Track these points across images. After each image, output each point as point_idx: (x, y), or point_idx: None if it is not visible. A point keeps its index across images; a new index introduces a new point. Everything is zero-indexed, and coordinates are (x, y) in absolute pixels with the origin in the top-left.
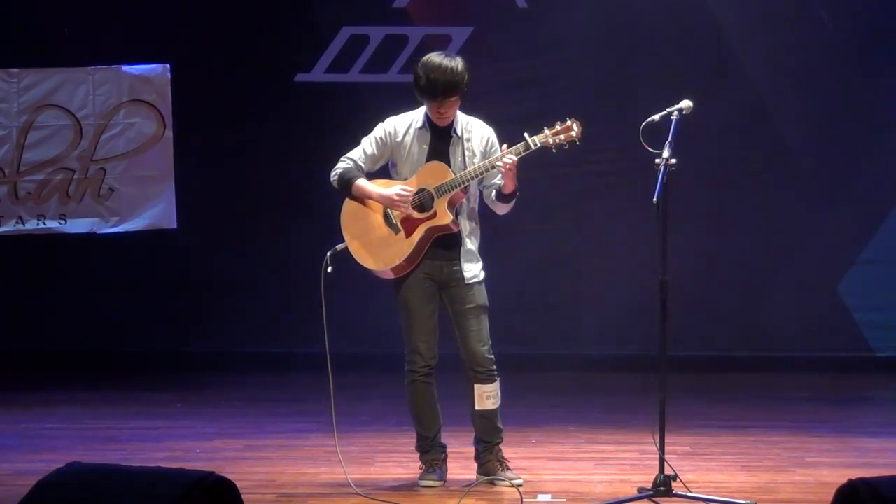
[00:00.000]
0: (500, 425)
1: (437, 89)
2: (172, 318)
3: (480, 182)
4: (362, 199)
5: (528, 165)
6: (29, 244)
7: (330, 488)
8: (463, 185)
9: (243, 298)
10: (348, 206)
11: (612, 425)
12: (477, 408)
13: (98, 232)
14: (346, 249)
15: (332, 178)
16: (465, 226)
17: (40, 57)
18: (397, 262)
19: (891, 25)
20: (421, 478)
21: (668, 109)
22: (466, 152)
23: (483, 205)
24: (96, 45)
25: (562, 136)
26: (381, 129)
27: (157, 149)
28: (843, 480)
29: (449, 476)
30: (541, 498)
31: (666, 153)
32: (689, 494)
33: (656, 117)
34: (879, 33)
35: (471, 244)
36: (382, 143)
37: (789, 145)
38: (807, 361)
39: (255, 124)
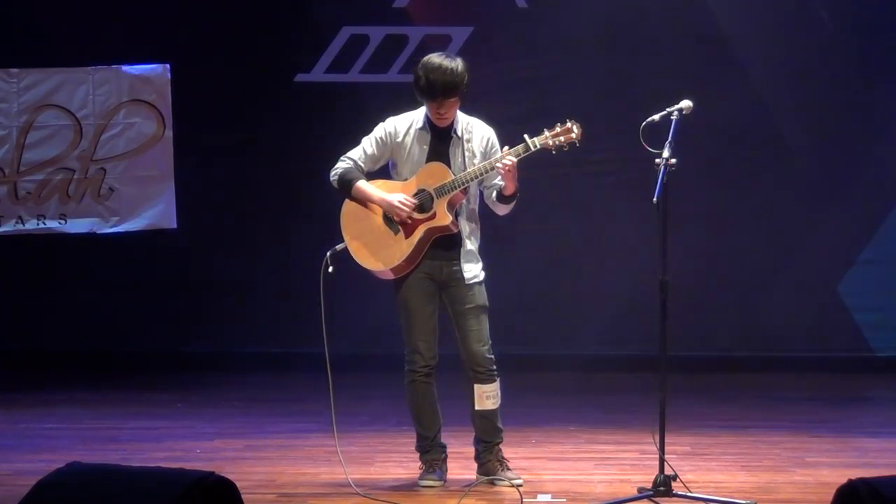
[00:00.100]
0: (500, 425)
1: (436, 90)
2: (172, 318)
3: (481, 183)
4: (362, 200)
5: (528, 166)
6: (29, 244)
7: (330, 488)
8: (463, 187)
9: (243, 298)
10: (348, 206)
11: (612, 425)
12: (477, 408)
13: (98, 232)
14: (345, 249)
15: (331, 178)
16: (465, 226)
17: (40, 57)
18: (397, 262)
19: (891, 25)
20: (421, 478)
21: (668, 109)
22: (466, 153)
23: (483, 205)
24: (96, 45)
25: (561, 138)
26: (381, 130)
27: (157, 149)
28: (843, 480)
29: (449, 476)
30: (541, 498)
31: (666, 153)
32: (689, 494)
33: (656, 117)
34: (879, 33)
35: (471, 245)
36: (382, 144)
37: (789, 145)
38: (807, 361)
39: (255, 124)
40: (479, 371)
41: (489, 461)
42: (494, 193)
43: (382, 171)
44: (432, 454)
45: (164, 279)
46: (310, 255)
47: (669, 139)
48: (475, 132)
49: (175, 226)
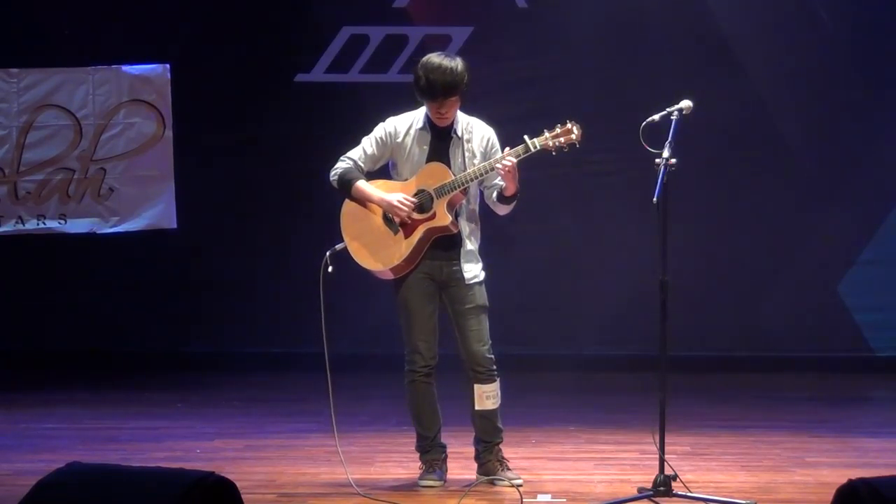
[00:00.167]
0: (500, 425)
1: (436, 90)
2: (172, 318)
3: (481, 183)
4: (362, 200)
5: (529, 166)
6: (29, 244)
7: (330, 488)
8: (463, 187)
9: (243, 298)
10: (348, 206)
11: (612, 425)
12: (477, 408)
13: (98, 232)
14: (345, 249)
15: (331, 178)
16: (465, 227)
17: (40, 57)
18: (396, 262)
19: (891, 25)
20: (421, 478)
21: (668, 109)
22: (466, 153)
23: (483, 205)
24: (96, 45)
25: (561, 139)
26: (381, 130)
27: (157, 149)
28: (843, 480)
29: (449, 476)
30: (541, 498)
31: (666, 153)
32: (689, 494)
33: (656, 117)
34: (879, 33)
35: (471, 245)
36: (382, 144)
37: (789, 145)
38: (807, 361)
39: (255, 124)
40: (479, 371)
41: (489, 461)
42: (495, 193)
43: (382, 171)
44: (432, 454)
45: (164, 279)
46: (310, 255)
47: (669, 139)
48: (475, 132)
49: (175, 226)
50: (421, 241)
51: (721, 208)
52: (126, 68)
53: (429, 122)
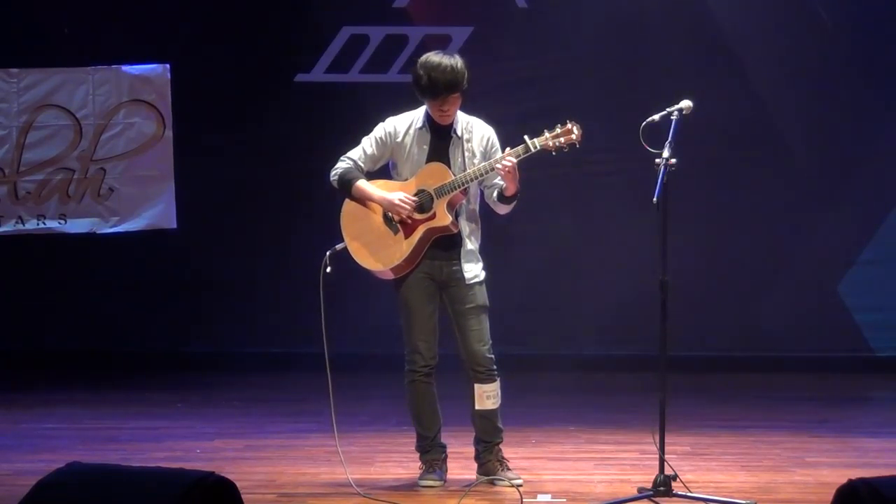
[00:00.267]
0: (500, 425)
1: (439, 87)
2: (172, 318)
3: (481, 182)
4: (362, 200)
5: (529, 165)
6: (29, 244)
7: (330, 488)
8: (463, 187)
9: (243, 298)
10: (348, 206)
11: (612, 425)
12: (477, 408)
13: (98, 232)
14: (345, 249)
15: (331, 178)
16: (466, 226)
17: (40, 57)
18: (396, 262)
19: (891, 25)
20: (421, 478)
21: (668, 109)
22: (466, 153)
23: (483, 205)
24: (96, 45)
25: (561, 139)
26: (381, 130)
27: (156, 149)
28: (843, 480)
29: (449, 476)
30: (541, 498)
31: (666, 153)
32: (689, 494)
33: (656, 117)
34: (879, 33)
35: (471, 244)
36: (382, 144)
37: (789, 145)
38: (807, 361)
39: (255, 124)
40: (480, 371)
41: (489, 461)
42: (495, 193)
43: (382, 171)
44: (432, 454)
45: (164, 279)
46: (310, 255)
47: (669, 139)
48: (475, 132)
49: (175, 226)
50: (421, 240)
51: (721, 208)
52: (126, 68)
53: (428, 122)
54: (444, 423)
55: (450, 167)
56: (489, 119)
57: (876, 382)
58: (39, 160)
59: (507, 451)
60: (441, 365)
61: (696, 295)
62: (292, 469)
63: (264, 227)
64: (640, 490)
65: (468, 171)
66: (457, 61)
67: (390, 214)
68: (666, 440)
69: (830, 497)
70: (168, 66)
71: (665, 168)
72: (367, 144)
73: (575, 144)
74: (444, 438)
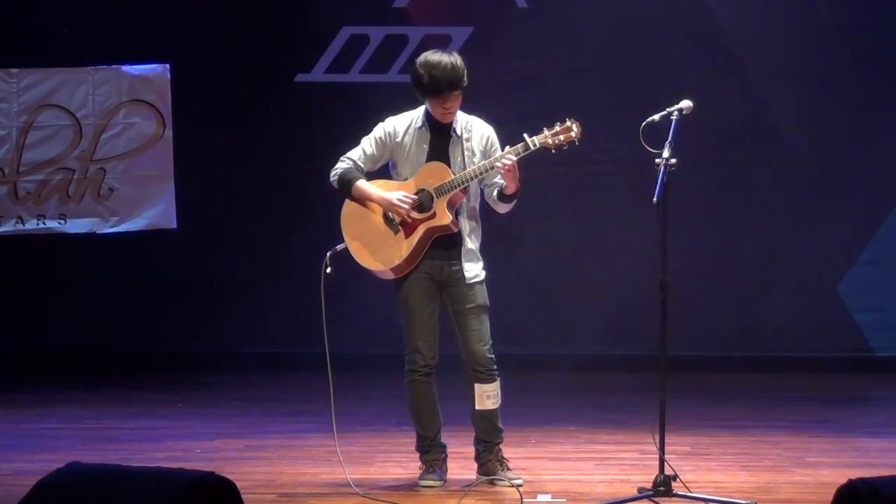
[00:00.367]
0: (500, 425)
1: (441, 85)
2: (172, 318)
3: (481, 181)
4: (362, 200)
5: (529, 165)
6: (29, 244)
7: (330, 488)
8: (462, 186)
9: (243, 298)
10: (348, 206)
11: (612, 425)
12: (477, 408)
13: (98, 232)
14: (345, 250)
15: (331, 179)
16: (466, 225)
17: (40, 57)
18: (397, 262)
19: (891, 25)
20: (421, 478)
21: (668, 109)
22: (466, 152)
23: (483, 204)
24: (96, 45)
25: (561, 137)
26: (380, 130)
27: (156, 149)
28: (843, 480)
29: (449, 476)
30: (541, 498)
31: (666, 153)
32: (689, 494)
33: (656, 117)
34: (879, 33)
35: (471, 244)
36: (382, 144)
37: (789, 145)
38: (807, 361)
39: (255, 124)
40: (480, 371)
41: (489, 461)
42: (495, 192)
43: (382, 171)
44: (432, 454)
45: (164, 279)
46: (310, 254)
47: (669, 139)
48: (475, 131)
49: (175, 226)
50: (421, 240)
51: (721, 208)
52: (126, 68)
53: (428, 121)
54: (444, 423)
55: (449, 166)
56: (489, 119)
57: (876, 382)
58: (39, 160)
59: (507, 451)
60: (441, 365)
61: (696, 295)
62: (292, 469)
63: (264, 227)
64: (640, 490)
65: (468, 169)
66: (455, 58)
67: (390, 214)
68: (666, 440)
69: (830, 497)
70: (168, 66)
71: (665, 168)
72: (367, 144)
73: (574, 142)
74: (444, 438)
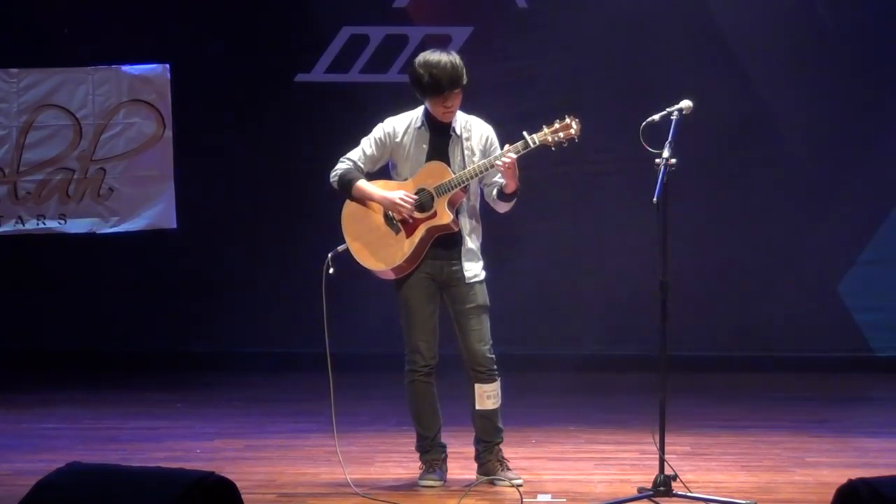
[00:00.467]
0: (500, 425)
1: (442, 84)
2: (172, 318)
3: (481, 181)
4: (363, 200)
5: (529, 164)
6: (28, 244)
7: (330, 488)
8: (462, 185)
9: (243, 298)
10: (348, 207)
11: (612, 425)
12: (477, 407)
13: (98, 232)
14: (346, 250)
15: (331, 179)
16: (466, 224)
17: (40, 57)
18: (398, 262)
19: (891, 25)
20: (421, 478)
21: (668, 109)
22: (466, 151)
23: (483, 204)
24: (96, 45)
25: (560, 134)
26: (380, 130)
27: (156, 149)
28: (843, 480)
29: (449, 476)
30: (541, 498)
31: (666, 153)
32: (689, 494)
33: (656, 117)
34: (879, 33)
35: (472, 243)
36: (382, 144)
37: (789, 145)
38: (807, 361)
39: (255, 124)
40: (480, 371)
41: (489, 461)
42: (495, 191)
43: (382, 172)
44: (432, 454)
45: (164, 279)
46: (310, 254)
47: (669, 139)
48: (474, 130)
49: (175, 226)
50: (422, 240)
51: (721, 208)
52: (126, 68)
53: (427, 121)
54: (444, 423)
55: (449, 166)
56: (489, 119)
57: (876, 382)
58: (39, 160)
59: (507, 451)
60: (441, 365)
61: (696, 295)
62: (292, 469)
63: (264, 227)
64: (640, 490)
65: (468, 168)
66: (454, 57)
67: (391, 214)
68: (666, 440)
69: (830, 497)
70: (168, 66)
71: (665, 168)
72: (367, 145)
73: (574, 139)
74: (444, 438)
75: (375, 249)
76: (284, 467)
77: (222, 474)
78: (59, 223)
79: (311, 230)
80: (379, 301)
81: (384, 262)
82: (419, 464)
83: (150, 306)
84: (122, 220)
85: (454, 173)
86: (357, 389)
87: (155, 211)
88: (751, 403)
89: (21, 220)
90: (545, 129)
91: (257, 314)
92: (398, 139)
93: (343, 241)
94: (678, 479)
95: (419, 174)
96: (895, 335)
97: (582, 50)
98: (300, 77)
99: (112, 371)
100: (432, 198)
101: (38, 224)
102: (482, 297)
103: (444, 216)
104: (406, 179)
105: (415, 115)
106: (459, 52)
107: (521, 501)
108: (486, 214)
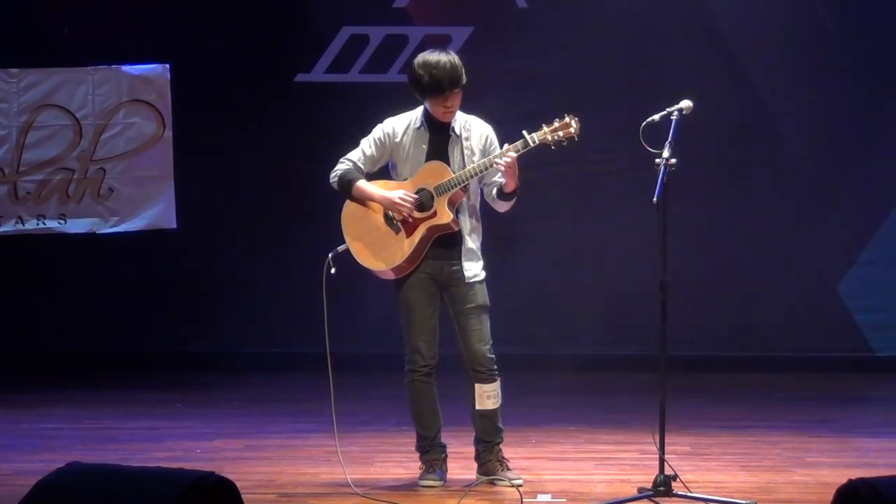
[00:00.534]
0: (500, 425)
1: (443, 84)
2: (172, 318)
3: (481, 180)
4: (363, 200)
5: (529, 164)
6: (28, 244)
7: (330, 488)
8: (462, 184)
9: (243, 298)
10: (349, 207)
11: (612, 425)
12: (477, 407)
13: (98, 232)
14: (346, 250)
15: (331, 180)
16: (466, 224)
17: (40, 57)
18: (398, 261)
19: (891, 25)
20: (421, 478)
21: (668, 109)
22: (465, 151)
23: (483, 204)
24: (96, 45)
25: (560, 133)
26: (379, 131)
27: (156, 149)
28: (843, 480)
29: (449, 476)
30: (541, 498)
31: (666, 153)
32: (689, 494)
33: (656, 117)
34: (879, 33)
35: (472, 243)
36: (381, 145)
37: (789, 145)
38: (807, 361)
39: (255, 124)
40: (480, 371)
41: (489, 461)
42: (495, 190)
43: (382, 172)
44: (432, 454)
45: (164, 279)
46: (310, 254)
47: (669, 139)
48: (474, 130)
49: (175, 226)
50: (423, 239)
51: (721, 208)
52: (126, 68)
53: (426, 121)
54: (444, 423)
55: (449, 165)
56: (490, 119)
57: (876, 382)
58: (39, 160)
59: (507, 451)
60: (441, 365)
61: (696, 295)
62: (292, 469)
63: (264, 227)
64: (640, 490)
65: (467, 167)
66: (453, 56)
67: (391, 214)
68: (666, 440)
69: (830, 497)
70: (168, 66)
71: (665, 168)
72: (366, 146)
73: (574, 138)
74: (444, 438)
75: (376, 249)
76: (284, 467)
77: (222, 474)
78: (59, 223)
79: (310, 230)
80: (379, 301)
81: (384, 261)
82: (419, 464)
83: (150, 306)
84: (122, 220)
85: (454, 173)
86: (357, 389)
87: (155, 211)
88: (751, 403)
89: (21, 220)
90: (545, 129)
91: (257, 314)
92: (398, 139)
93: (343, 242)
94: (678, 479)
95: (419, 174)
96: (895, 335)
97: (582, 50)
98: (300, 77)
99: (112, 371)
100: (432, 197)
101: (38, 224)
102: (482, 296)
103: (444, 216)
104: (406, 179)
105: (414, 116)
106: (459, 52)
107: (521, 501)
108: (486, 214)
